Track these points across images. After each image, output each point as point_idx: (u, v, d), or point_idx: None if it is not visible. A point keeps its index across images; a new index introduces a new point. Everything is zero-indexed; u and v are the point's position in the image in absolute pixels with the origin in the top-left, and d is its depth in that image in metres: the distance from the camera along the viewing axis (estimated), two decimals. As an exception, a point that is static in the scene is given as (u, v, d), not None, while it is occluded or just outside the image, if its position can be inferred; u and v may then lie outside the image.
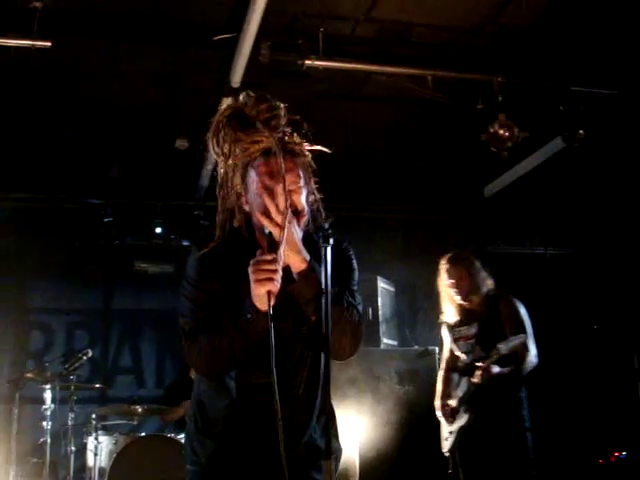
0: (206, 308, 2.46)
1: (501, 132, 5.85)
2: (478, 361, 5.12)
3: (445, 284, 5.53)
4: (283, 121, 2.45)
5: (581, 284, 9.28)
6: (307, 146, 2.52)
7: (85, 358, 6.58)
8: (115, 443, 6.29)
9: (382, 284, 7.63)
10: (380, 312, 7.44)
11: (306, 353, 2.54)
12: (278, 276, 2.25)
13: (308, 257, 2.38)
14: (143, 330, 8.75)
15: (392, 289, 7.94)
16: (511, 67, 5.87)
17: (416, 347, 7.39)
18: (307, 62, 5.40)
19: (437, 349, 7.44)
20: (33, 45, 5.05)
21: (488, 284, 5.50)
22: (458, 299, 5.44)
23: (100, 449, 6.29)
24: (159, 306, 8.61)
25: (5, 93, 6.25)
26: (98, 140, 7.21)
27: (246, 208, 2.50)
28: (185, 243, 8.44)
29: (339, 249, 2.55)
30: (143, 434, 6.80)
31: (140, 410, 6.60)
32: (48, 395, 6.42)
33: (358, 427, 6.10)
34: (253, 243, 2.45)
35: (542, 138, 6.77)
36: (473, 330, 5.40)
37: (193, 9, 5.20)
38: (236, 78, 5.51)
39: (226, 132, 2.41)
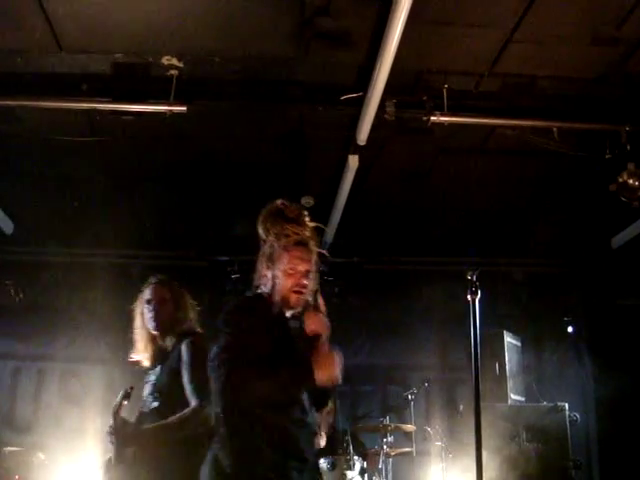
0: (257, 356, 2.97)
1: (631, 182, 5.74)
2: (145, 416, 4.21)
3: (142, 307, 4.49)
4: (310, 222, 3.27)
5: None
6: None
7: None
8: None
9: (508, 338, 7.53)
10: (507, 367, 7.33)
11: None
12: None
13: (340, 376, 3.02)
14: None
15: (518, 343, 7.81)
16: (639, 115, 5.79)
17: (545, 403, 7.23)
18: (432, 118, 5.49)
19: (567, 405, 7.26)
20: (170, 110, 5.35)
21: (190, 321, 4.53)
22: (152, 327, 4.41)
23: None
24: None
25: (139, 157, 6.60)
26: (226, 199, 7.46)
27: (276, 280, 3.18)
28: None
29: None
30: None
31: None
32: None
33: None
34: (281, 311, 3.18)
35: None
36: (154, 376, 4.38)
37: (320, 71, 5.38)
38: (362, 136, 5.65)
39: (273, 222, 3.20)
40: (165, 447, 4.04)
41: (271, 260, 3.18)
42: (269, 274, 3.18)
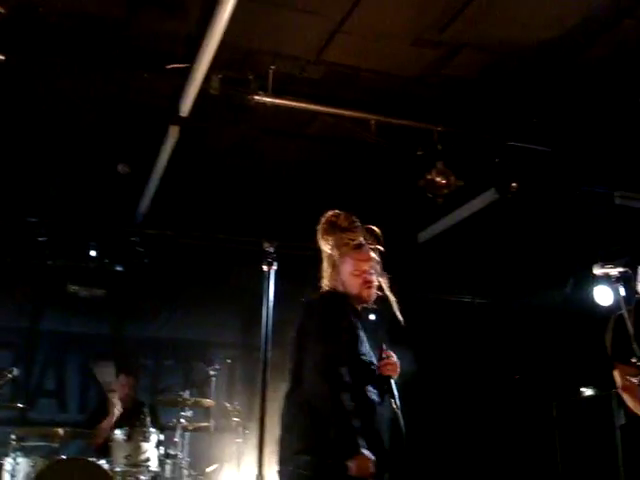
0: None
1: (438, 179, 6.05)
2: None
3: None
4: (360, 226, 3.76)
5: (506, 334, 9.52)
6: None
7: (10, 376, 6.46)
8: (33, 465, 6.11)
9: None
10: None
11: None
12: None
13: None
14: (69, 353, 8.64)
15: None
16: (452, 117, 6.11)
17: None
18: (256, 98, 5.54)
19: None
20: (-14, 57, 5.08)
21: None
22: None
23: (17, 470, 6.10)
24: (88, 330, 8.55)
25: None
26: (40, 157, 7.17)
27: (346, 283, 3.64)
28: (119, 268, 8.40)
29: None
30: (63, 457, 6.46)
31: (61, 433, 6.44)
32: (-34, 412, 6.30)
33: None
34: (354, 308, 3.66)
35: (477, 188, 7.01)
36: None
37: (149, 37, 5.29)
38: (185, 108, 5.61)
39: (331, 234, 3.66)
40: None
41: (337, 267, 3.68)
42: (339, 279, 3.67)
